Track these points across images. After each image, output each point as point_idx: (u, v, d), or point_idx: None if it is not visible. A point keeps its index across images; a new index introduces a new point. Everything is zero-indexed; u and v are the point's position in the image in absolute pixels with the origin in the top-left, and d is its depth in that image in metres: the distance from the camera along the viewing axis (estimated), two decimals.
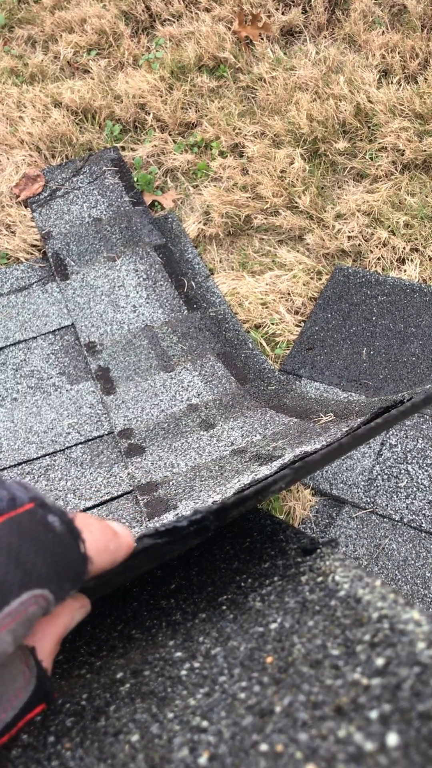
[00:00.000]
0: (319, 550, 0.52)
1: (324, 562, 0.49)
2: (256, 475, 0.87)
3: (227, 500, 0.49)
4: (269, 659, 0.40)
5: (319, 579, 0.47)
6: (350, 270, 1.90)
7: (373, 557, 1.51)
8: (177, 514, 0.90)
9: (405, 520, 1.52)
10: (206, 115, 2.25)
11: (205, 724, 0.36)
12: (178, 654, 0.46)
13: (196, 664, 0.43)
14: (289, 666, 0.38)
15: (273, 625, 0.44)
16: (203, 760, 0.33)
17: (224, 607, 0.50)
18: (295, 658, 0.39)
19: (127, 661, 0.48)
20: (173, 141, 2.24)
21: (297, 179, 2.04)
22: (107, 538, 0.38)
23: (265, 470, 0.89)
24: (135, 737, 0.38)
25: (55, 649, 0.38)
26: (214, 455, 1.39)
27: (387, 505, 1.55)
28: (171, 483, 1.32)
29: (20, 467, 1.55)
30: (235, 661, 0.42)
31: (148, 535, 0.45)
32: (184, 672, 0.43)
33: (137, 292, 1.87)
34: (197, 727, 0.36)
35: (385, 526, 1.54)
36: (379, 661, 0.34)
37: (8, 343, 1.82)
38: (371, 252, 1.91)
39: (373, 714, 0.31)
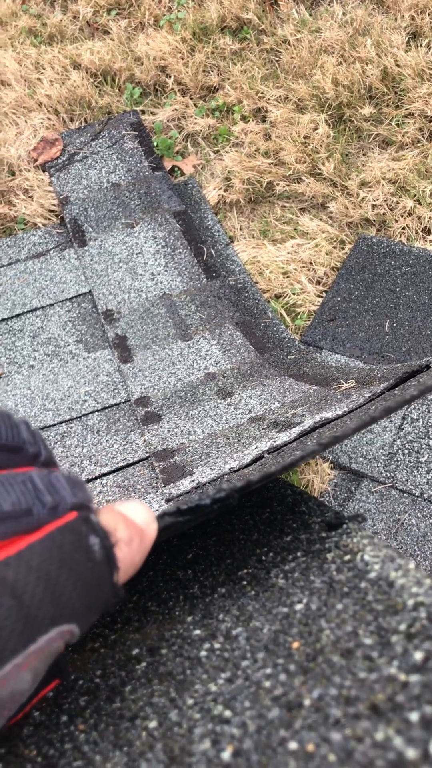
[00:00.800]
0: (345, 526, 0.49)
1: (351, 539, 0.46)
2: (274, 441, 0.84)
3: (252, 477, 0.46)
4: (295, 644, 0.37)
5: (347, 558, 0.44)
6: (374, 240, 1.85)
7: (392, 532, 1.49)
8: (193, 480, 0.88)
9: (425, 496, 1.50)
10: (228, 79, 2.19)
11: (228, 714, 0.34)
12: (197, 632, 0.44)
13: (217, 645, 0.41)
14: (317, 654, 0.36)
15: (298, 606, 0.41)
16: (227, 755, 0.31)
17: (245, 583, 0.48)
18: (323, 645, 0.36)
19: (143, 636, 0.46)
20: (194, 105, 2.19)
21: (321, 145, 1.99)
22: (134, 551, 0.35)
23: (284, 437, 0.86)
24: (153, 723, 0.36)
25: None
26: (232, 423, 1.37)
27: (407, 480, 1.53)
28: (187, 450, 1.30)
29: None
30: (258, 644, 0.39)
31: (170, 513, 0.43)
32: (203, 653, 0.41)
33: (156, 260, 1.84)
34: (219, 717, 0.34)
35: (404, 501, 1.51)
36: (418, 655, 0.32)
37: (25, 310, 1.80)
38: (396, 221, 1.86)
39: (414, 716, 0.28)
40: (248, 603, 0.45)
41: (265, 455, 0.71)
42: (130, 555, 0.35)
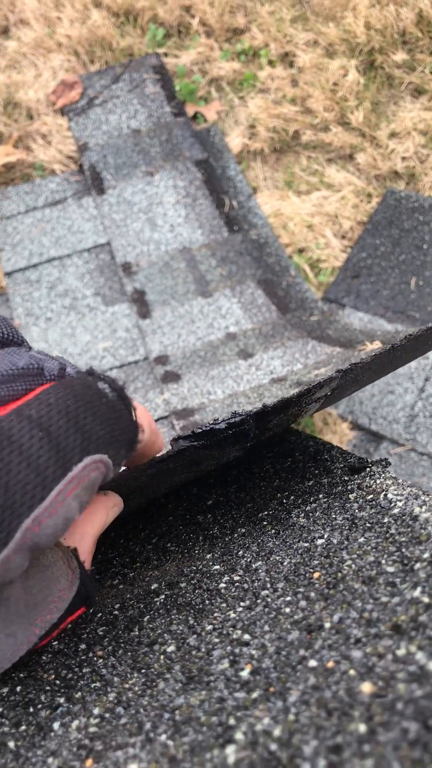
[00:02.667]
0: (368, 469, 0.49)
1: (374, 480, 0.47)
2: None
3: (267, 404, 0.45)
4: (316, 574, 0.38)
5: (370, 497, 0.44)
6: (403, 193, 1.78)
7: None
8: None
9: None
10: (255, 20, 2.10)
11: (246, 637, 0.35)
12: (217, 567, 0.44)
13: (236, 578, 0.42)
14: (338, 582, 0.36)
15: (319, 541, 0.42)
16: (245, 673, 0.32)
17: (265, 523, 0.49)
18: (345, 574, 0.37)
19: (161, 573, 0.47)
20: (219, 48, 2.10)
21: (350, 93, 1.91)
22: (150, 420, 0.37)
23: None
24: (171, 648, 0.37)
25: (92, 548, 0.38)
26: (253, 383, 1.34)
27: (427, 443, 1.50)
28: (207, 409, 1.28)
29: None
30: (278, 575, 0.40)
31: (184, 437, 0.43)
32: (222, 585, 0.42)
33: (176, 211, 1.79)
34: (238, 640, 0.35)
35: (424, 464, 1.49)
36: None
37: (42, 260, 1.76)
38: (426, 175, 1.79)
39: None
40: (268, 540, 0.45)
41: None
42: (146, 415, 0.37)
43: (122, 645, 0.39)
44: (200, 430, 0.43)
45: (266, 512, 0.50)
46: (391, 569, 0.35)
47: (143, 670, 0.36)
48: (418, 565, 0.34)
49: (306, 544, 0.42)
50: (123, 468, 0.39)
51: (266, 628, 0.35)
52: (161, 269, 1.69)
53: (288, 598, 0.37)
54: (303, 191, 1.86)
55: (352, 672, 0.29)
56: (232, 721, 0.29)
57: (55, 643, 0.40)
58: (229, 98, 2.04)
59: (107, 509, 0.39)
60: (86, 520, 0.37)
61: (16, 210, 1.85)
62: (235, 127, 1.99)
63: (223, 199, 1.82)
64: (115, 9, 2.16)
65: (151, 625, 0.40)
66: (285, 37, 2.05)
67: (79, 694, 0.35)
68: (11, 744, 0.33)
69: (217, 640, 0.36)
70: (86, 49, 2.12)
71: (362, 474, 0.49)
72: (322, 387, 0.50)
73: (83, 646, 0.39)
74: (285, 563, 0.41)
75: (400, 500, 0.42)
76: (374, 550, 0.38)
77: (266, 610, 0.37)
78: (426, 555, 0.35)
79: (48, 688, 0.37)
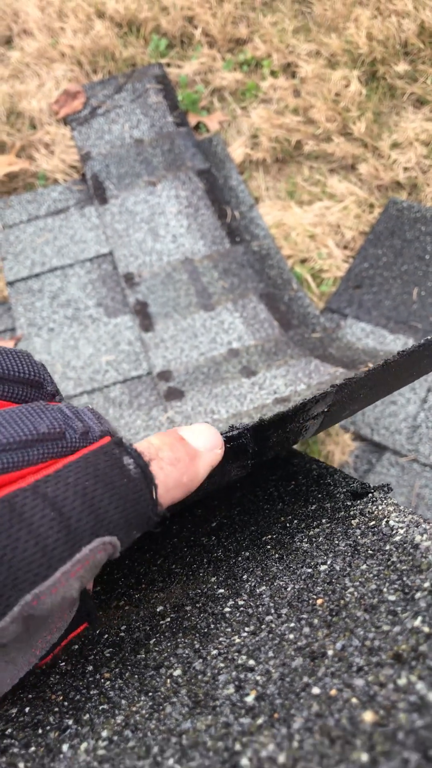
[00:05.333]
0: (370, 495, 0.50)
1: (376, 506, 0.47)
2: None
3: (264, 418, 0.46)
4: (319, 601, 0.38)
5: (372, 523, 0.45)
6: (405, 204, 1.79)
7: (412, 506, 1.46)
8: None
9: None
10: (258, 31, 2.11)
11: (251, 663, 0.35)
12: (221, 591, 0.45)
13: (241, 602, 0.42)
14: (341, 609, 0.36)
15: (322, 567, 0.42)
16: (250, 699, 0.32)
17: (269, 547, 0.49)
18: (347, 601, 0.37)
19: (167, 595, 0.47)
20: (222, 58, 2.11)
21: (352, 104, 1.91)
22: (181, 471, 0.36)
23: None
24: (177, 672, 0.37)
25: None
26: (256, 403, 1.34)
27: (430, 454, 1.49)
28: None
29: None
30: (282, 600, 0.40)
31: None
32: (227, 609, 0.42)
33: (178, 221, 1.79)
34: (243, 666, 0.35)
35: (426, 475, 1.48)
36: None
37: (45, 269, 1.76)
38: (428, 185, 1.79)
39: None
40: (272, 564, 0.45)
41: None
42: (175, 474, 0.36)
43: (129, 667, 0.39)
44: None
45: (270, 536, 0.51)
46: (392, 597, 0.35)
47: (150, 694, 0.36)
48: (418, 594, 0.34)
49: (309, 570, 0.42)
50: None
51: (270, 654, 0.35)
52: (163, 280, 1.69)
53: (292, 624, 0.37)
54: (305, 201, 1.87)
55: (354, 700, 0.29)
56: (237, 747, 0.29)
57: (63, 663, 0.40)
58: (231, 108, 2.04)
59: None
60: None
61: (18, 219, 1.85)
62: (237, 137, 2.00)
63: (225, 210, 1.82)
64: (118, 19, 2.17)
65: (157, 648, 0.40)
66: (287, 48, 2.05)
67: (87, 716, 0.35)
68: (21, 765, 0.33)
69: (222, 665, 0.36)
70: (89, 59, 2.13)
71: (364, 499, 0.49)
72: (317, 402, 0.50)
73: (90, 668, 0.39)
74: (288, 588, 0.41)
75: (402, 527, 0.42)
76: (376, 577, 0.38)
77: (270, 635, 0.37)
78: (426, 584, 0.35)
79: (56, 709, 0.37)
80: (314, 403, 0.50)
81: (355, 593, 0.37)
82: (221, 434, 0.43)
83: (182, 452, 0.37)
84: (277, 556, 0.47)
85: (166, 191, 1.84)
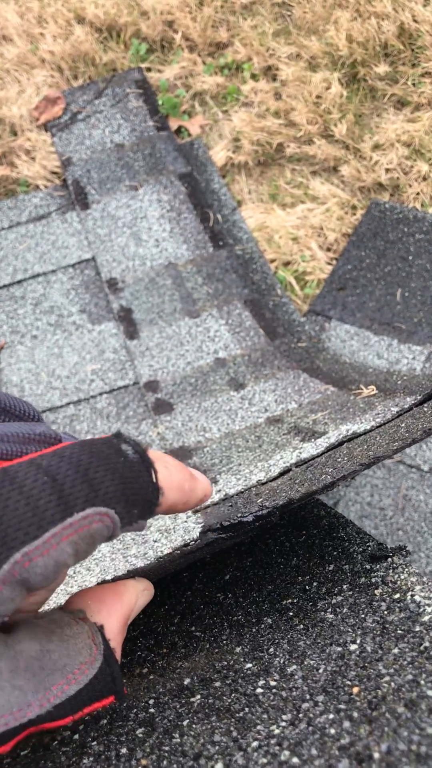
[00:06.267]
0: (390, 560, 0.50)
1: (398, 575, 0.47)
2: (300, 453, 0.83)
3: (293, 495, 0.47)
4: (355, 689, 0.37)
5: (396, 596, 0.44)
6: (387, 205, 1.79)
7: (399, 508, 1.46)
8: (219, 490, 0.86)
9: None
10: (238, 35, 2.10)
11: (295, 761, 0.33)
12: (249, 665, 0.43)
13: (272, 683, 0.40)
14: (380, 702, 0.35)
15: (353, 647, 0.41)
16: None
17: (291, 614, 0.48)
18: (385, 692, 0.35)
19: (192, 665, 0.46)
20: (202, 62, 2.10)
21: (333, 106, 1.91)
22: (183, 477, 0.37)
23: (309, 448, 0.84)
24: (219, 765, 0.35)
25: (122, 630, 0.37)
26: (248, 421, 1.33)
27: (416, 455, 1.49)
28: (205, 450, 1.27)
29: (44, 415, 1.50)
30: (316, 685, 0.39)
31: (213, 529, 0.43)
32: (260, 690, 0.40)
33: (160, 225, 1.78)
34: (287, 764, 0.33)
35: (412, 477, 1.48)
36: None
37: (27, 276, 1.75)
38: (410, 186, 1.79)
39: None
40: (299, 638, 0.44)
41: (293, 468, 0.72)
42: (178, 476, 0.36)
43: (167, 755, 0.37)
44: (228, 524, 0.44)
45: (290, 600, 0.50)
46: (431, 693, 0.34)
47: None
48: None
49: (339, 649, 0.41)
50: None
51: (314, 751, 0.34)
52: (147, 286, 1.68)
53: (331, 716, 0.36)
54: (288, 204, 1.86)
55: None
56: None
57: (94, 743, 0.38)
58: (212, 112, 2.04)
59: (137, 591, 0.39)
60: (114, 599, 0.38)
61: None
62: (219, 140, 1.99)
63: (208, 213, 1.81)
64: (98, 24, 2.16)
65: (192, 732, 0.38)
66: (268, 51, 2.05)
67: None
68: None
69: (264, 760, 0.34)
70: (69, 64, 2.12)
71: (384, 564, 0.49)
72: (345, 478, 0.51)
73: (125, 750, 0.38)
74: (321, 670, 0.40)
75: (429, 605, 0.42)
76: (411, 665, 0.37)
77: (310, 728, 0.35)
78: None
79: None
80: (341, 479, 0.51)
81: (392, 684, 0.36)
82: (251, 513, 0.45)
83: (185, 468, 0.38)
84: (301, 627, 0.46)
85: (148, 195, 1.83)
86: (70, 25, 2.17)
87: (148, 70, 2.12)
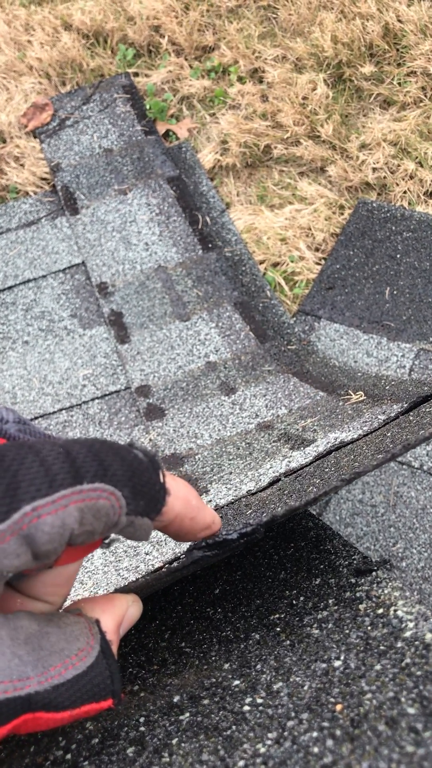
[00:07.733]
0: (374, 574, 0.50)
1: (382, 589, 0.48)
2: (290, 462, 0.84)
3: (277, 512, 0.48)
4: (338, 707, 0.37)
5: (380, 611, 0.45)
6: (374, 204, 1.79)
7: (391, 505, 1.46)
8: (209, 501, 0.87)
9: (425, 468, 1.47)
10: (224, 38, 2.12)
11: None
12: (237, 682, 0.44)
13: (259, 700, 0.41)
14: (362, 719, 0.36)
15: (337, 663, 0.41)
16: None
17: (278, 629, 0.49)
18: (367, 710, 0.36)
19: (182, 682, 0.47)
20: (189, 66, 2.12)
21: (320, 106, 1.92)
22: (190, 493, 0.39)
23: (299, 457, 0.86)
24: None
25: (116, 629, 0.38)
26: (239, 428, 1.34)
27: (407, 452, 1.49)
28: (197, 457, 1.27)
29: (37, 422, 1.51)
30: (301, 702, 0.39)
31: (198, 547, 0.45)
32: (247, 707, 0.41)
33: (150, 228, 1.79)
34: None
35: (403, 474, 1.48)
36: None
37: (17, 282, 1.76)
38: (397, 185, 1.80)
39: None
40: (285, 654, 0.45)
41: (282, 478, 0.73)
42: (185, 491, 0.38)
43: None
44: (213, 542, 0.45)
45: (277, 615, 0.51)
46: (411, 710, 0.35)
47: None
48: None
49: (324, 665, 0.42)
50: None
51: None
52: (137, 289, 1.69)
53: (314, 734, 0.36)
54: (276, 205, 1.87)
55: None
56: None
57: (86, 763, 0.39)
58: (200, 115, 2.05)
59: (127, 600, 0.40)
60: (106, 602, 0.39)
61: None
62: (207, 143, 2.00)
63: (197, 216, 1.82)
64: (85, 31, 2.18)
65: (181, 751, 0.39)
66: (254, 54, 2.06)
67: None
68: None
69: None
70: (57, 71, 2.13)
71: (368, 578, 0.50)
72: (327, 493, 0.52)
73: None
74: (306, 687, 0.41)
75: (411, 620, 0.42)
76: (392, 682, 0.37)
77: (295, 747, 0.36)
78: None
79: None
80: (323, 494, 0.52)
81: (374, 701, 0.37)
82: (236, 531, 0.46)
83: (194, 491, 0.39)
84: (288, 643, 0.46)
85: (137, 199, 1.84)
86: (57, 32, 2.18)
87: (136, 75, 2.13)
